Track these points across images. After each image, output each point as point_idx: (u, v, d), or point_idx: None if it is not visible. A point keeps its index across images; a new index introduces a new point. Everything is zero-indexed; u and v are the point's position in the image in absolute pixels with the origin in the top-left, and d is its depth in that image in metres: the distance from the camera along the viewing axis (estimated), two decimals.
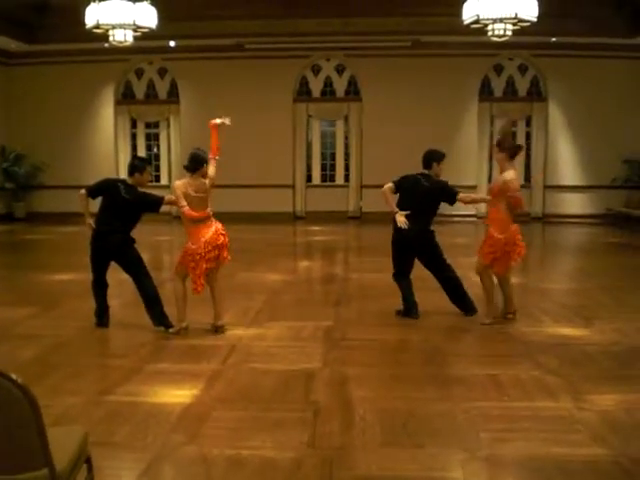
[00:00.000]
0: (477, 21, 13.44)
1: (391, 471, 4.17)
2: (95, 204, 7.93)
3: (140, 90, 22.17)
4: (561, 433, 4.70)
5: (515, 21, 13.36)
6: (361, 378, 5.87)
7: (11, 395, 2.66)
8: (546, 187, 21.12)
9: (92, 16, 13.94)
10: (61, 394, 5.49)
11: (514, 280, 8.41)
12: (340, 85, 21.58)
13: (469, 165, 20.48)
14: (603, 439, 4.60)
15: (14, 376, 2.69)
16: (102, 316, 7.82)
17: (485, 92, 21.14)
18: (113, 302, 8.21)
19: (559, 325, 7.87)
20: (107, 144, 21.57)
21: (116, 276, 8.27)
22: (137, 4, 14.04)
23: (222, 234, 7.53)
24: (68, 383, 5.83)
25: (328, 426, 4.81)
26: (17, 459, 2.77)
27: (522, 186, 19.94)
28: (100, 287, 7.84)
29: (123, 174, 21.68)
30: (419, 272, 8.39)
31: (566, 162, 21.08)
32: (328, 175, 21.96)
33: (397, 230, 7.99)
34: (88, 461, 3.29)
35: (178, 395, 5.50)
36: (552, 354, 6.62)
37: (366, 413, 5.02)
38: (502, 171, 7.84)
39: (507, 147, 7.82)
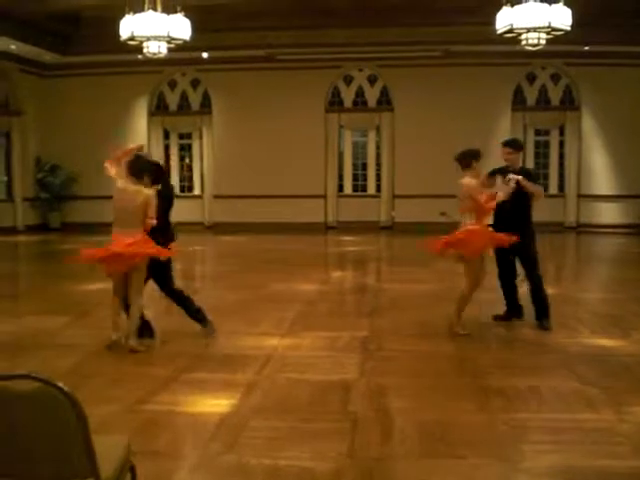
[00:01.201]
0: (511, 30, 13.36)
1: None
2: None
3: (173, 101, 22.35)
4: (603, 445, 4.63)
5: (549, 30, 13.27)
6: (398, 389, 5.83)
7: (57, 403, 2.68)
8: (580, 196, 20.94)
9: (127, 28, 14.08)
10: (98, 403, 5.48)
11: (550, 290, 8.31)
12: (372, 95, 21.59)
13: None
14: None
15: (60, 384, 2.70)
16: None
17: (518, 101, 21.04)
18: (146, 312, 8.23)
19: (596, 336, 7.78)
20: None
21: (151, 286, 8.28)
22: (171, 16, 14.15)
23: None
24: (105, 392, 5.85)
25: (366, 437, 4.78)
26: (63, 468, 2.78)
27: (555, 196, 20.18)
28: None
29: None
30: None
31: (600, 171, 20.89)
32: (360, 185, 21.95)
33: None
34: (132, 470, 3.30)
35: (215, 404, 5.51)
36: (590, 365, 6.54)
37: (405, 424, 4.98)
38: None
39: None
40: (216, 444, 4.66)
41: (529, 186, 7.84)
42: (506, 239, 7.59)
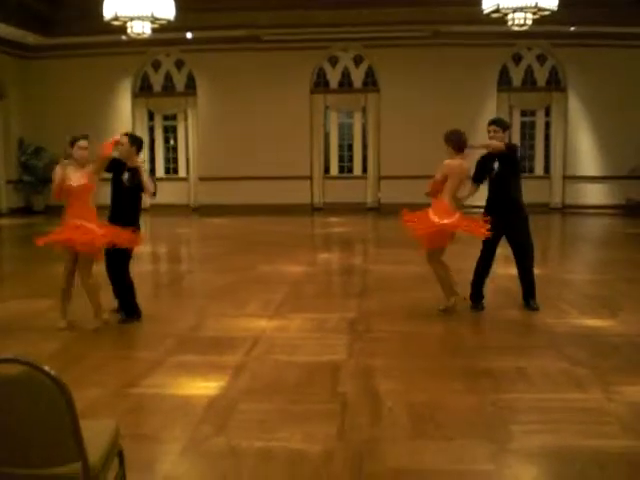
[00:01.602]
0: (497, 10, 13.34)
1: (421, 464, 4.12)
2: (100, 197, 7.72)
3: (157, 82, 22.17)
4: (592, 425, 4.65)
5: (535, 10, 13.26)
6: (387, 370, 5.83)
7: (44, 387, 2.64)
8: (565, 177, 20.97)
9: (110, 8, 13.95)
10: (86, 387, 5.46)
11: (536, 271, 8.31)
12: (358, 76, 21.49)
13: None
14: (635, 430, 4.55)
15: (47, 368, 2.66)
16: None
17: (504, 82, 21.00)
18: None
19: (584, 316, 7.80)
20: None
21: (137, 268, 8.25)
22: None
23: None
24: (92, 376, 5.81)
25: (356, 418, 4.77)
26: (50, 452, 2.75)
27: (541, 177, 20.22)
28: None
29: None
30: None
31: (586, 152, 20.92)
32: (346, 166, 21.90)
33: None
34: (120, 454, 3.27)
35: (204, 387, 5.48)
36: (578, 345, 6.56)
37: (394, 405, 4.98)
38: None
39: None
40: (206, 427, 4.64)
41: (494, 145, 7.82)
42: (477, 230, 7.66)
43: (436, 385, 5.48)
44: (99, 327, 7.34)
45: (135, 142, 7.67)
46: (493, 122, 8.14)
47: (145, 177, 7.54)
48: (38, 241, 7.39)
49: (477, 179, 8.13)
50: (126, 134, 7.79)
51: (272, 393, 5.30)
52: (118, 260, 7.58)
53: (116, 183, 7.56)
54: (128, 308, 7.67)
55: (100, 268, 7.68)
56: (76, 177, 7.24)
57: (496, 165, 7.88)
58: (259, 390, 5.38)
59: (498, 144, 7.74)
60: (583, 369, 5.79)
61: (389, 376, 5.68)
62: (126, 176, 7.50)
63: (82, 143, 7.33)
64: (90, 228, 7.22)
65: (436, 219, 7.61)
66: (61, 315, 7.50)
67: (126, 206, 7.54)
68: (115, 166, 7.52)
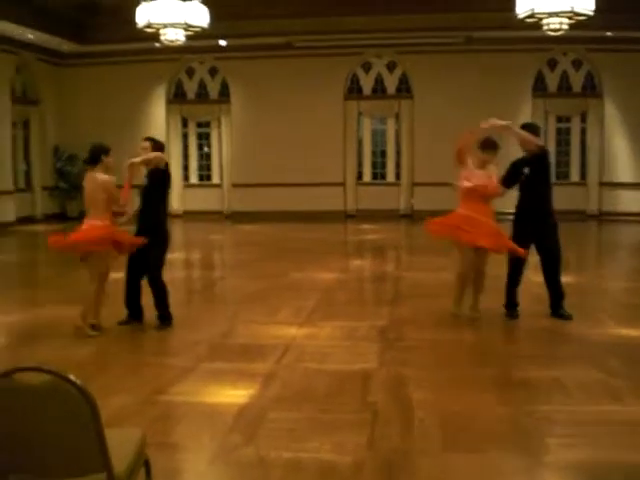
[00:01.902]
0: (532, 15, 13.16)
1: (453, 477, 4.04)
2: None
3: (191, 90, 22.27)
4: (629, 438, 4.52)
5: (571, 15, 13.05)
6: (419, 379, 5.73)
7: (69, 396, 2.60)
8: (602, 184, 20.67)
9: (143, 15, 14.00)
10: (115, 393, 5.45)
11: (571, 279, 8.17)
12: (391, 82, 21.40)
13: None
14: None
15: (72, 377, 2.62)
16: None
17: (539, 88, 20.77)
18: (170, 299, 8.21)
19: (620, 325, 7.63)
20: None
21: (170, 274, 8.24)
22: (188, 3, 14.05)
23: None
24: (122, 382, 5.80)
25: (387, 429, 4.69)
26: (75, 462, 2.71)
27: (577, 183, 19.96)
28: None
29: (174, 173, 21.86)
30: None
31: (622, 159, 20.60)
32: (379, 173, 21.80)
33: None
34: (146, 464, 3.22)
35: (234, 395, 5.44)
36: (615, 355, 6.40)
37: (426, 416, 4.88)
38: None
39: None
40: (235, 436, 4.58)
41: (517, 131, 7.69)
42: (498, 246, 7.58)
43: (469, 395, 5.38)
44: (80, 327, 7.38)
45: (157, 149, 7.66)
46: (524, 126, 8.00)
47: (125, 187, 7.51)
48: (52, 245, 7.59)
49: (507, 183, 7.97)
50: (148, 138, 7.76)
51: (302, 402, 5.23)
52: (143, 266, 7.57)
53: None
54: (163, 314, 7.65)
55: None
56: None
57: (526, 170, 7.75)
58: (289, 399, 5.32)
59: (505, 125, 7.63)
60: (620, 380, 5.65)
61: (420, 386, 5.59)
62: (145, 181, 7.64)
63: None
64: (91, 228, 7.38)
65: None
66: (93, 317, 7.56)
67: (148, 205, 7.60)
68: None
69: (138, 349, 7.08)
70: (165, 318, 7.63)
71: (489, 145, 7.75)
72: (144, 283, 7.71)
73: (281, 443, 4.45)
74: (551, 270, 7.87)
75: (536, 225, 7.67)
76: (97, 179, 7.38)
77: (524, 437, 4.56)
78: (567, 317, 7.77)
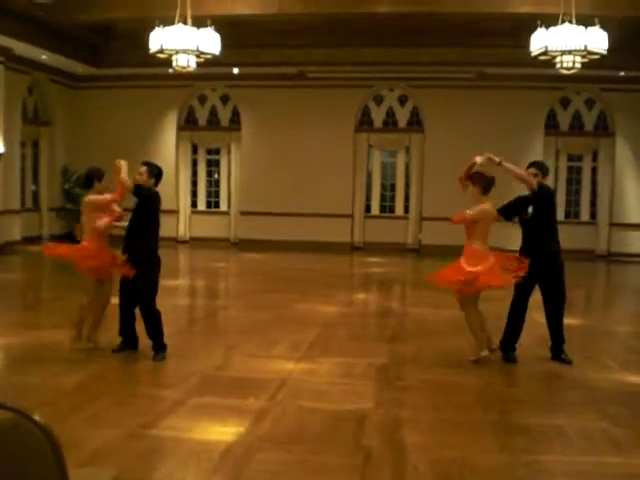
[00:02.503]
0: (545, 53, 13.05)
1: None
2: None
3: (202, 116, 22.27)
4: None
5: (584, 53, 12.95)
6: (416, 422, 5.54)
7: (31, 437, 2.42)
8: (612, 225, 20.49)
9: (156, 41, 13.97)
10: (102, 425, 5.29)
11: (577, 321, 7.98)
12: (402, 116, 21.34)
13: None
14: None
15: (36, 416, 2.45)
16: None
17: (551, 126, 20.68)
18: (166, 328, 8.04)
19: (627, 372, 7.43)
20: (168, 169, 21.45)
21: (170, 301, 8.08)
22: (201, 30, 14.03)
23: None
24: (109, 414, 5.63)
25: (378, 475, 4.50)
26: None
27: (587, 223, 19.78)
28: None
29: (183, 199, 21.81)
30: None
31: (633, 199, 20.43)
32: (387, 206, 21.68)
33: None
34: None
35: (223, 432, 5.26)
36: (620, 403, 6.20)
37: (419, 462, 4.69)
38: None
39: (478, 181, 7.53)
40: (219, 477, 4.42)
41: (510, 168, 7.54)
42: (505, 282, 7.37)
43: (466, 441, 5.18)
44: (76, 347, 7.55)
45: (154, 174, 7.55)
46: (533, 164, 7.86)
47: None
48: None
49: (504, 213, 7.79)
50: (146, 163, 7.63)
51: (292, 442, 5.04)
52: (136, 292, 7.44)
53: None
54: (157, 343, 7.48)
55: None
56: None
57: (530, 209, 7.60)
58: (279, 438, 5.13)
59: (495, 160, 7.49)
60: (624, 430, 5.45)
61: (417, 429, 5.40)
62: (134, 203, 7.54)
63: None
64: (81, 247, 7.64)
65: (467, 267, 7.36)
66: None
67: (137, 224, 7.49)
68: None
69: (129, 379, 6.91)
70: (160, 348, 7.46)
71: (475, 180, 7.59)
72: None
73: None
74: (554, 311, 7.68)
75: (540, 265, 7.49)
76: (83, 201, 7.48)
77: None
78: (567, 362, 7.57)
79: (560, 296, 7.65)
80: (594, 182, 20.74)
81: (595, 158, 20.76)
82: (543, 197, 7.58)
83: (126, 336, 7.63)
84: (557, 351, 7.68)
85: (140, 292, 7.40)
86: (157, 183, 7.58)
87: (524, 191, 7.78)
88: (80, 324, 7.71)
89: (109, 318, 7.96)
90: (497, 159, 7.52)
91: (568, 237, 7.92)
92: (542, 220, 7.57)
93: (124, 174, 7.33)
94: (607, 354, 8.13)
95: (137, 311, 7.57)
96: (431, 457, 4.80)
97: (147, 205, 7.44)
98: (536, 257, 7.45)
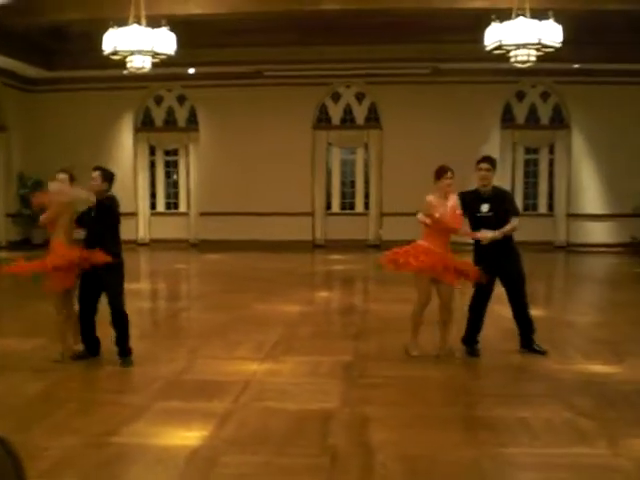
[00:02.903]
0: (500, 47, 13.13)
1: None
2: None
3: (159, 117, 22.08)
4: None
5: (539, 47, 13.05)
6: (382, 419, 5.52)
7: None
8: (569, 215, 20.73)
9: (110, 42, 13.78)
10: (64, 434, 5.20)
11: (539, 312, 8.05)
12: (360, 113, 21.37)
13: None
14: None
15: None
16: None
17: (507, 119, 20.85)
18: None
19: (590, 362, 7.48)
20: (126, 171, 21.33)
21: (132, 305, 7.98)
22: (156, 30, 13.87)
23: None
24: (72, 421, 5.53)
25: (345, 474, 4.47)
26: None
27: (545, 215, 19.94)
28: None
29: (141, 201, 21.58)
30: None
31: (590, 190, 20.71)
32: (348, 203, 21.70)
33: None
34: None
35: (187, 437, 5.18)
36: (584, 394, 6.24)
37: (387, 459, 4.67)
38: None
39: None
40: None
41: (506, 231, 7.56)
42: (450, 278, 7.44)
43: (433, 436, 5.17)
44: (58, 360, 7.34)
45: (108, 178, 7.41)
46: (486, 159, 7.86)
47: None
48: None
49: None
50: (97, 168, 7.46)
51: (258, 444, 4.99)
52: (96, 298, 7.34)
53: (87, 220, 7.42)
54: (124, 349, 7.38)
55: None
56: None
57: (485, 207, 7.61)
58: (244, 441, 5.07)
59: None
60: (589, 420, 5.48)
61: (384, 426, 5.38)
62: (93, 213, 7.31)
63: (60, 176, 7.36)
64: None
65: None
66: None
67: (99, 233, 7.32)
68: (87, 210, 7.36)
69: (92, 386, 6.81)
70: (127, 353, 7.37)
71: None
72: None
73: None
74: (518, 301, 7.74)
75: (498, 255, 7.54)
76: None
77: None
78: (541, 352, 7.63)
79: (521, 282, 7.73)
80: (551, 174, 20.98)
81: (552, 150, 21.00)
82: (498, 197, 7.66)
83: (87, 343, 7.52)
84: (529, 341, 7.75)
85: (112, 296, 7.32)
86: (110, 187, 7.45)
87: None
88: (63, 337, 7.53)
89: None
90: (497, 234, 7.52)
91: (526, 229, 7.97)
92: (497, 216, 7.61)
93: (73, 191, 7.22)
94: (570, 345, 8.19)
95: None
96: (398, 454, 4.78)
97: (108, 214, 7.34)
98: (494, 248, 7.50)
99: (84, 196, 7.21)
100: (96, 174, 7.32)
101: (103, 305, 7.47)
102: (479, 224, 7.57)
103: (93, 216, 7.30)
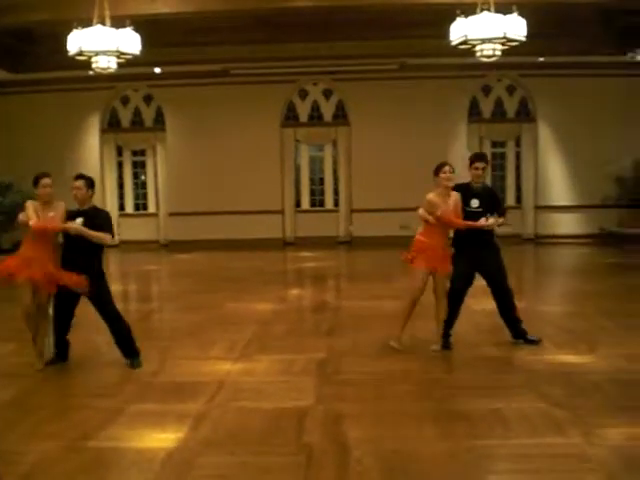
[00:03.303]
0: (465, 42, 13.17)
1: None
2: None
3: (126, 118, 21.91)
4: (574, 473, 4.40)
5: (504, 41, 13.11)
6: (357, 416, 5.53)
7: None
8: (537, 207, 20.90)
9: (75, 43, 13.64)
10: (38, 439, 5.15)
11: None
12: (328, 109, 21.36)
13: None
14: (619, 478, 4.29)
15: None
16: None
17: (474, 113, 20.96)
18: (100, 336, 7.90)
19: (562, 352, 7.56)
20: (93, 173, 20.72)
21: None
22: (120, 30, 13.76)
23: None
24: (46, 427, 5.47)
25: (322, 472, 4.47)
26: None
27: (513, 207, 20.08)
28: None
29: (110, 202, 21.40)
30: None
31: (557, 182, 20.88)
32: (317, 200, 21.69)
33: None
34: None
35: (162, 439, 5.15)
36: (557, 384, 6.31)
37: (363, 456, 4.67)
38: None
39: None
40: None
41: (500, 223, 7.69)
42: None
43: (408, 431, 5.19)
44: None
45: (91, 185, 7.33)
46: (481, 157, 7.95)
47: (92, 233, 7.13)
48: None
49: None
50: (80, 177, 7.34)
51: (234, 444, 4.97)
52: (73, 303, 7.27)
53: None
54: (131, 349, 7.36)
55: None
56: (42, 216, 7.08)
57: (475, 202, 7.66)
58: (220, 441, 5.05)
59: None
60: (562, 410, 5.53)
61: (359, 422, 5.39)
62: (79, 221, 7.15)
63: (45, 181, 7.18)
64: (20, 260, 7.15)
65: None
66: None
67: (83, 251, 7.17)
68: (70, 217, 7.20)
69: (65, 390, 6.73)
70: (135, 354, 7.35)
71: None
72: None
73: None
74: (501, 294, 7.88)
75: (479, 250, 7.62)
76: None
77: (465, 475, 4.40)
78: (536, 341, 7.82)
79: (504, 276, 7.86)
80: (518, 167, 21.13)
81: (518, 143, 21.15)
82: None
83: (60, 347, 7.45)
84: (522, 332, 7.90)
85: (103, 299, 7.30)
86: (93, 194, 7.37)
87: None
88: (36, 338, 7.41)
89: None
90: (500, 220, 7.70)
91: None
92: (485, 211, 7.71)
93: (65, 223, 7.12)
94: (541, 335, 8.22)
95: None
96: (374, 450, 4.79)
97: (105, 224, 7.28)
98: (474, 243, 7.58)
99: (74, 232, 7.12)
100: (80, 183, 7.23)
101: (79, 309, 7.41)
102: (468, 219, 7.63)
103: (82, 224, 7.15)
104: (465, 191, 7.71)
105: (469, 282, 7.83)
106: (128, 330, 7.41)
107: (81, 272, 7.05)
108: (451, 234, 7.85)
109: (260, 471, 4.49)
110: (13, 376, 7.01)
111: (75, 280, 7.02)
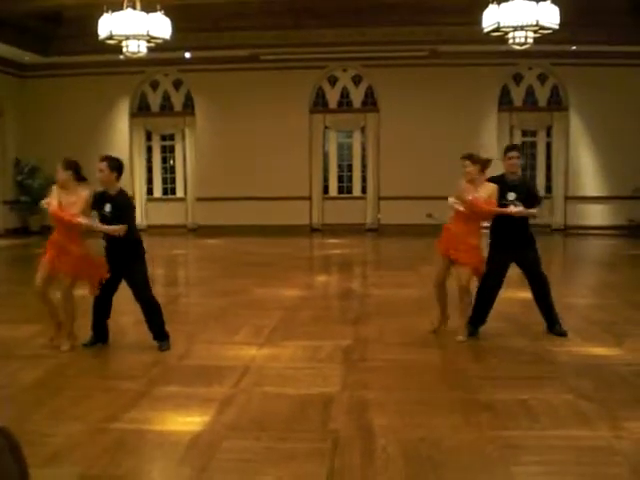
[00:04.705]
0: (497, 29, 13.09)
1: None
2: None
3: (155, 102, 22.02)
4: (600, 466, 4.34)
5: (536, 28, 13.01)
6: (382, 404, 5.52)
7: None
8: (567, 198, 20.73)
9: (105, 27, 13.73)
10: (63, 421, 5.18)
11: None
12: (357, 96, 21.32)
13: (488, 175, 20.10)
14: None
15: None
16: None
17: (504, 102, 20.81)
18: (126, 319, 7.94)
19: (589, 344, 7.49)
20: (122, 157, 20.96)
21: (126, 293, 7.93)
22: (151, 15, 13.80)
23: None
24: (71, 409, 5.50)
25: (348, 458, 4.46)
26: None
27: (543, 197, 19.90)
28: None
29: (138, 187, 21.52)
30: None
31: (587, 172, 20.70)
32: (345, 187, 21.67)
33: None
34: None
35: (187, 422, 5.18)
36: (584, 376, 6.24)
37: (388, 444, 4.66)
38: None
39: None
40: (185, 469, 4.33)
41: (532, 213, 7.59)
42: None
43: (434, 420, 5.17)
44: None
45: (115, 167, 7.20)
46: (516, 148, 7.90)
47: (102, 228, 7.13)
48: None
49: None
50: (104, 158, 7.26)
51: (259, 429, 4.98)
52: (114, 286, 7.36)
53: (101, 217, 7.20)
54: (161, 333, 7.40)
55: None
56: (65, 201, 7.13)
57: (512, 195, 7.57)
58: (245, 426, 5.06)
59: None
60: (589, 403, 5.48)
61: (384, 410, 5.37)
62: (108, 208, 7.14)
63: (58, 167, 7.23)
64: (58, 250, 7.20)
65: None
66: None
67: (119, 238, 7.15)
68: (97, 200, 7.20)
69: (90, 373, 6.77)
70: (164, 337, 7.38)
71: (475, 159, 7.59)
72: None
73: (234, 476, 4.22)
74: (538, 285, 7.85)
75: (516, 242, 7.60)
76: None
77: (489, 466, 4.36)
78: (564, 334, 7.74)
79: (538, 267, 7.86)
80: (549, 157, 20.96)
81: (549, 133, 20.98)
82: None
83: (98, 330, 7.49)
84: (554, 323, 7.85)
85: (139, 284, 7.31)
86: (119, 176, 7.32)
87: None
88: (57, 319, 7.49)
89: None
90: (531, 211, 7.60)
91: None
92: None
93: (85, 219, 7.12)
94: (569, 327, 8.14)
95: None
96: (399, 438, 4.78)
97: (126, 212, 7.28)
98: (515, 237, 7.55)
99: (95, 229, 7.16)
100: (103, 165, 7.11)
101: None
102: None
103: (109, 212, 7.17)
104: (500, 184, 7.60)
105: (501, 280, 7.75)
106: (160, 313, 7.42)
107: (121, 256, 7.12)
108: (485, 225, 7.79)
109: (285, 457, 4.49)
110: (37, 357, 7.06)
111: (95, 275, 7.13)
